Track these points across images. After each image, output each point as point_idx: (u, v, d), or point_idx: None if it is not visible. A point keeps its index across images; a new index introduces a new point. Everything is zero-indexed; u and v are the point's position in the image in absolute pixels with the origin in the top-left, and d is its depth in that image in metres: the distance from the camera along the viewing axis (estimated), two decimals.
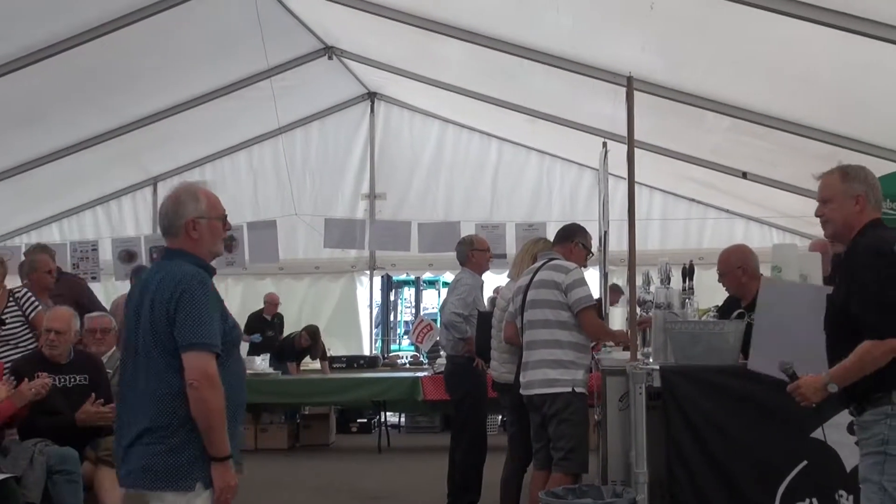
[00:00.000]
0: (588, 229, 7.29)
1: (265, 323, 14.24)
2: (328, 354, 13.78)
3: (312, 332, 13.48)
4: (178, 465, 3.86)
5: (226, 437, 3.90)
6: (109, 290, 13.78)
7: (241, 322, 13.13)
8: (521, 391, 6.68)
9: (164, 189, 15.59)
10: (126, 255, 14.14)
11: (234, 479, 3.94)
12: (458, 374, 8.39)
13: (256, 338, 13.81)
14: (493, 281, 11.76)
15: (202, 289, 3.94)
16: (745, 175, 11.68)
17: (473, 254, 8.52)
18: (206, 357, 3.86)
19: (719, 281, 6.74)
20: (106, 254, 14.40)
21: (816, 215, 4.38)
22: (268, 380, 12.42)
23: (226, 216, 4.24)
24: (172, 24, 10.43)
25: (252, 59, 11.88)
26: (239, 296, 14.83)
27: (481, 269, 8.64)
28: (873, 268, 4.05)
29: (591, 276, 11.64)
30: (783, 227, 13.38)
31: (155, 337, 3.93)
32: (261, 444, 12.44)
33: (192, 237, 4.09)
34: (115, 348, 7.78)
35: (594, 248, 7.58)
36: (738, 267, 6.53)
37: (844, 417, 5.16)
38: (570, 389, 6.41)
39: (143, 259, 13.78)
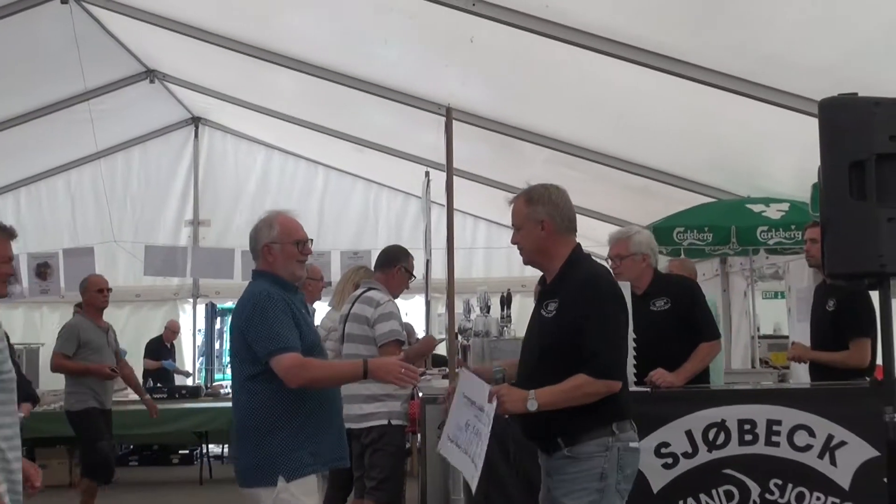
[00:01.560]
0: (414, 257, 7.33)
1: (165, 350, 13.97)
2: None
3: None
4: (260, 463, 4.33)
5: (351, 366, 4.51)
6: None
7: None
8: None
9: None
10: None
11: (393, 360, 4.49)
12: None
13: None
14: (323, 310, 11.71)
15: (270, 302, 4.38)
16: None
17: (308, 283, 8.47)
18: (286, 356, 4.27)
19: None
20: None
21: (512, 243, 4.29)
22: None
23: (303, 241, 4.67)
24: None
25: (69, 80, 11.52)
26: (56, 324, 14.21)
27: (312, 299, 8.60)
28: (606, 305, 3.97)
29: (417, 304, 11.79)
30: (598, 255, 13.85)
31: (235, 349, 4.51)
32: (76, 478, 11.94)
33: (268, 260, 4.60)
34: None
35: (419, 276, 7.63)
36: None
37: (651, 441, 5.39)
38: (385, 422, 6.42)
39: None
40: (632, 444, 4.03)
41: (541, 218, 4.13)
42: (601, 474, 3.94)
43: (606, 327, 3.94)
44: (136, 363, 14.73)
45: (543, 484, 4.22)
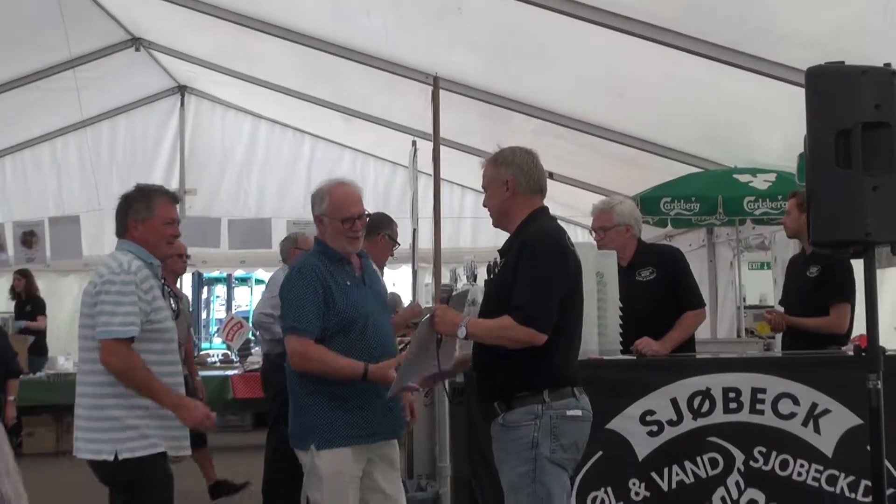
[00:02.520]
0: (401, 226, 7.31)
1: None
2: None
3: None
4: (298, 428, 4.56)
5: (351, 366, 4.39)
6: None
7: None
8: None
9: None
10: None
11: (383, 371, 4.39)
12: (273, 372, 8.30)
13: None
14: None
15: (299, 278, 4.52)
16: (551, 175, 11.98)
17: (295, 252, 8.47)
18: (294, 339, 4.42)
19: None
20: None
21: (483, 206, 4.32)
22: (70, 380, 11.92)
23: (351, 218, 4.59)
24: None
25: (53, 48, 11.41)
26: (42, 292, 14.24)
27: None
28: (537, 262, 3.94)
29: (404, 274, 11.78)
30: (585, 227, 13.87)
31: (283, 313, 4.66)
32: (63, 445, 11.95)
33: (320, 230, 4.68)
34: None
35: (406, 245, 7.61)
36: None
37: (637, 409, 5.42)
38: None
39: None
40: (570, 413, 3.95)
41: (505, 178, 4.14)
42: (531, 443, 3.89)
43: (534, 282, 3.91)
44: None
45: None
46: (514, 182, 4.13)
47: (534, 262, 3.93)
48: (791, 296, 6.77)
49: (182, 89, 15.05)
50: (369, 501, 4.58)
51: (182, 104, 15.14)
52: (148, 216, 4.44)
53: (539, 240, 4.01)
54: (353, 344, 4.49)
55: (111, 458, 4.21)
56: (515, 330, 3.86)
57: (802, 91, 4.00)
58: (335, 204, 4.62)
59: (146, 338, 4.30)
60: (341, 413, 4.45)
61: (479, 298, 6.56)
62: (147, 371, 4.25)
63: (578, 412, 3.99)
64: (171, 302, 6.35)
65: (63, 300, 14.05)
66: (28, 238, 13.36)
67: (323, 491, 4.44)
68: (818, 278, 6.31)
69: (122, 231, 4.50)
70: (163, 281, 4.66)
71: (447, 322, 4.03)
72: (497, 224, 4.29)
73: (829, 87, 3.88)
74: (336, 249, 4.62)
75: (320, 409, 4.46)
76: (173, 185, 15.02)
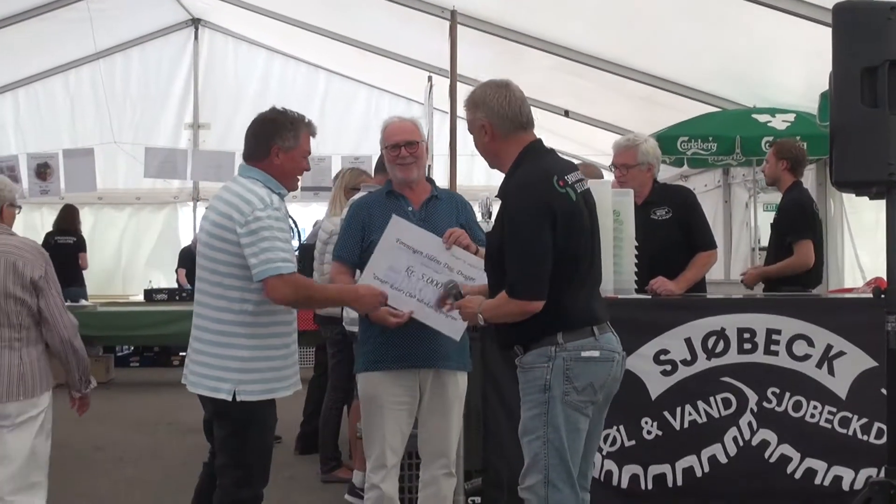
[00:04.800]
0: None
1: None
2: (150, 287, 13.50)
3: None
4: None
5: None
6: None
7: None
8: (345, 325, 6.68)
9: None
10: None
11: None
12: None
13: None
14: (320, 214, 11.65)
15: (346, 213, 5.18)
16: (567, 113, 11.93)
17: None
18: (332, 266, 4.91)
19: None
20: None
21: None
22: (84, 312, 12.00)
23: (396, 144, 4.70)
24: None
25: None
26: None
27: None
28: (516, 219, 3.82)
29: None
30: (603, 166, 13.79)
31: None
32: None
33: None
34: None
35: None
36: None
37: (651, 348, 5.41)
38: None
39: None
40: (585, 354, 3.85)
41: (480, 123, 3.98)
42: (544, 385, 3.82)
43: (516, 254, 3.81)
44: (137, 265, 14.87)
45: None
46: (489, 125, 3.95)
47: (513, 230, 3.83)
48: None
49: (196, 22, 14.95)
50: (421, 426, 4.83)
51: (196, 37, 15.07)
52: (293, 146, 4.33)
53: (516, 194, 3.87)
54: None
55: (229, 397, 4.17)
56: (509, 305, 3.83)
57: (825, 29, 3.94)
58: (384, 135, 4.84)
59: None
60: (369, 341, 4.71)
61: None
62: (318, 286, 4.61)
63: (595, 353, 3.87)
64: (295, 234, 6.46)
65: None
66: (42, 170, 13.35)
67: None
68: (775, 222, 6.37)
69: (262, 154, 4.31)
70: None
71: (468, 314, 4.10)
72: (492, 166, 4.14)
73: (856, 23, 3.81)
74: (392, 181, 4.85)
75: (360, 337, 4.84)
76: (187, 119, 15.01)
